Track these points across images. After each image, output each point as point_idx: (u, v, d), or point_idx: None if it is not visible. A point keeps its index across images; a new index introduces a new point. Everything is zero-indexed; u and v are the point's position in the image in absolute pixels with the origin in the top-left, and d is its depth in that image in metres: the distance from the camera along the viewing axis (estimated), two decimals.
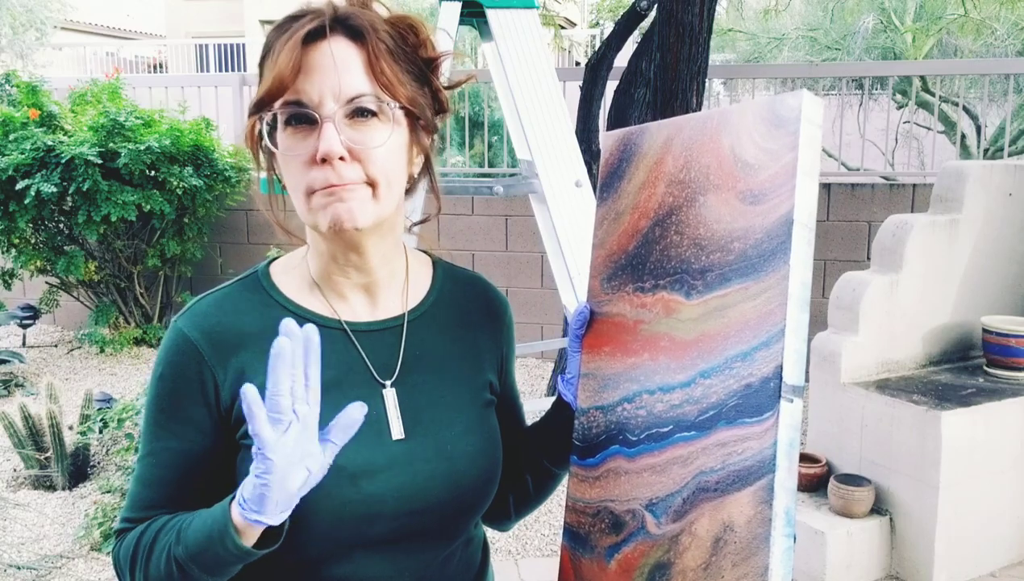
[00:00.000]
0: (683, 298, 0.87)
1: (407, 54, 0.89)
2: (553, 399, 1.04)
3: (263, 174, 0.94)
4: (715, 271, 0.85)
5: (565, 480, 1.01)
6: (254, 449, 0.77)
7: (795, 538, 0.79)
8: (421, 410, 0.93)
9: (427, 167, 0.97)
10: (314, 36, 0.84)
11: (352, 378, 0.91)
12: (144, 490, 0.92)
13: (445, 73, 0.98)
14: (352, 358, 0.92)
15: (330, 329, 0.92)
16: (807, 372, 3.23)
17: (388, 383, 0.92)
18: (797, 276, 0.79)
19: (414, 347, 0.95)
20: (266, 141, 0.87)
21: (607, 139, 1.00)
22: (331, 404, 0.88)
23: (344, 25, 0.85)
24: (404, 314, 0.96)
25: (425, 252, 1.06)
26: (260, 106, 0.86)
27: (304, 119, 0.84)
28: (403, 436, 0.90)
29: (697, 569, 0.80)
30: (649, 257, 0.91)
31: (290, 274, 0.95)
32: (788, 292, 0.79)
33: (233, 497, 0.80)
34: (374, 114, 0.86)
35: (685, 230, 0.88)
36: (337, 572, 0.88)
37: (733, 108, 0.88)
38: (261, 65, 0.88)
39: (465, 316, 1.01)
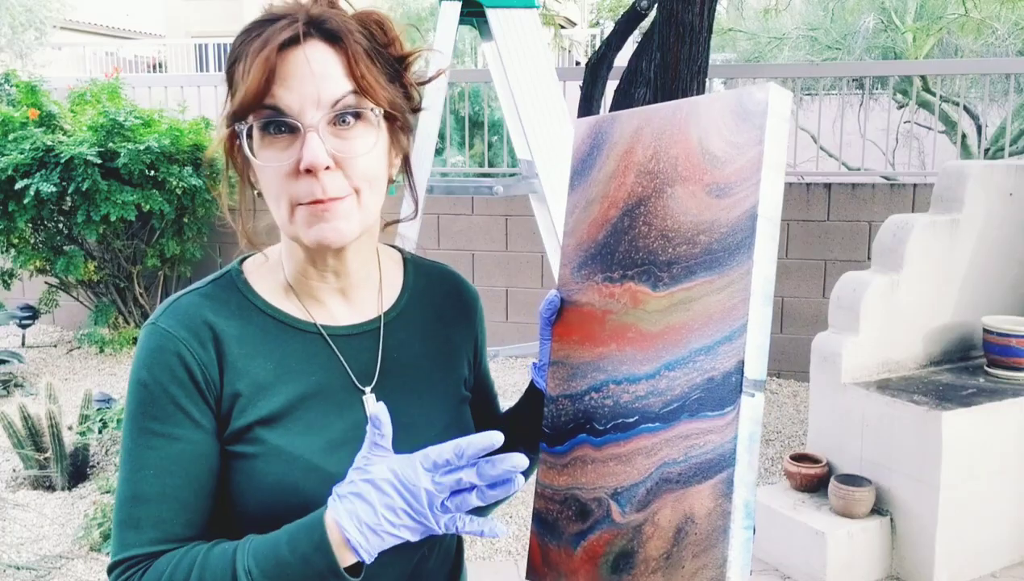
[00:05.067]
0: (650, 290, 0.88)
1: (381, 54, 0.87)
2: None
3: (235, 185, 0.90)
4: (681, 264, 0.86)
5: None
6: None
7: (754, 530, 0.81)
8: (401, 414, 0.91)
9: (406, 167, 0.96)
10: (289, 43, 0.81)
11: (332, 384, 0.91)
12: (146, 507, 0.84)
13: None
14: (332, 363, 0.91)
15: (308, 333, 0.91)
16: (808, 372, 3.24)
17: (368, 389, 0.92)
18: (760, 271, 0.80)
19: (391, 349, 0.95)
20: (245, 151, 0.84)
21: (579, 126, 0.99)
22: (314, 410, 0.89)
23: (319, 29, 0.83)
24: (380, 316, 0.96)
25: (394, 247, 1.05)
26: (236, 117, 0.83)
27: (284, 128, 0.82)
28: None
29: (659, 559, 0.82)
30: (618, 247, 0.92)
31: (265, 275, 0.94)
32: (751, 288, 0.80)
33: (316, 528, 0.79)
34: (357, 119, 0.84)
35: (653, 221, 0.89)
36: None
37: (702, 99, 0.88)
38: (230, 72, 0.85)
39: (438, 312, 1.01)
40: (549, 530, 0.95)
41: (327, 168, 0.82)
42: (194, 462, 0.86)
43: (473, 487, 0.77)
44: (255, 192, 0.90)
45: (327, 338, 0.92)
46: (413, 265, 1.03)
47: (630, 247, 0.91)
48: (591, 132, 0.97)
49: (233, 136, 0.86)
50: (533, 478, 1.00)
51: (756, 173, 0.81)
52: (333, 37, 0.83)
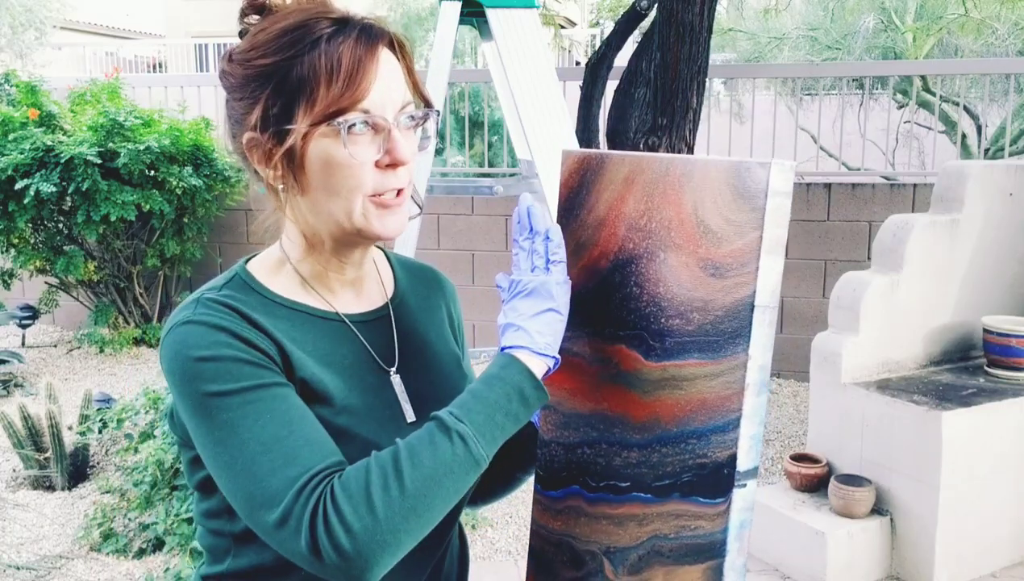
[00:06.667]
0: (641, 357, 0.89)
1: None
2: None
3: (275, 181, 0.89)
4: (674, 338, 0.86)
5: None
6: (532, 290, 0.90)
7: None
8: (422, 390, 0.98)
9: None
10: (376, 44, 0.87)
11: (363, 366, 0.95)
12: (288, 440, 0.81)
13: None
14: (357, 348, 0.95)
15: (332, 322, 0.95)
16: (808, 372, 3.24)
17: (392, 370, 0.97)
18: (756, 362, 0.81)
19: (403, 332, 1.01)
20: (345, 149, 0.85)
21: (566, 158, 0.99)
22: (356, 392, 0.92)
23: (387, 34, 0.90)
24: (387, 303, 1.01)
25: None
26: (335, 114, 0.84)
27: (368, 125, 0.87)
28: (414, 419, 0.95)
29: None
30: (609, 302, 0.92)
31: (276, 275, 0.95)
32: (746, 379, 0.81)
33: (496, 367, 0.87)
34: (415, 122, 0.91)
35: (645, 285, 0.89)
36: None
37: (697, 162, 0.86)
38: (286, 68, 0.85)
39: (426, 300, 1.07)
40: (544, 571, 0.98)
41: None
42: (297, 401, 0.85)
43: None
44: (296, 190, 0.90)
45: (350, 325, 0.96)
46: (395, 259, 1.09)
47: (621, 306, 0.91)
48: (580, 167, 0.96)
49: (306, 135, 0.86)
50: (532, 487, 1.01)
51: (754, 260, 0.80)
52: (393, 43, 0.90)
